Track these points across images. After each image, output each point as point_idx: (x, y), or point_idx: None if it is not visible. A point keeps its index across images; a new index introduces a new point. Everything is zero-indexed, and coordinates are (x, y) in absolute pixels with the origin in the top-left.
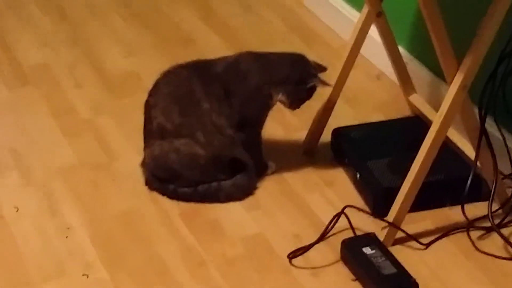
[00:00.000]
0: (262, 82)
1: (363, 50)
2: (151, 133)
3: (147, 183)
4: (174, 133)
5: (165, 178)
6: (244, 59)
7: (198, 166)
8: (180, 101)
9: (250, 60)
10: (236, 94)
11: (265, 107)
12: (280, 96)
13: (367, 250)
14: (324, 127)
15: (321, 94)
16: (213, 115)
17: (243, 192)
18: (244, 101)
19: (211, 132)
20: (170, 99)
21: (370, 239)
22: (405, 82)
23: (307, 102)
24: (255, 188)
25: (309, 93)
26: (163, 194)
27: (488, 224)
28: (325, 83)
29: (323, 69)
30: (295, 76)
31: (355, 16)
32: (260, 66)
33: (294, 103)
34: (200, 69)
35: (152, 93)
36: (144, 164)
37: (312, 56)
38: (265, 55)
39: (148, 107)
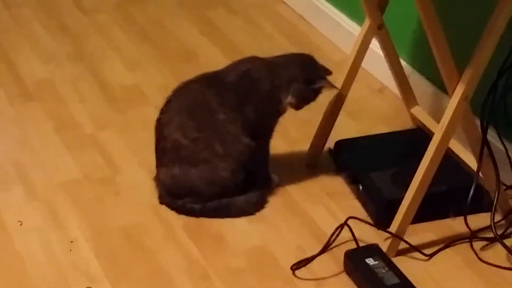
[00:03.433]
0: (273, 88)
1: (365, 64)
2: (165, 151)
3: (160, 197)
4: (191, 148)
5: (180, 195)
6: (255, 66)
7: (220, 185)
8: (196, 115)
9: (261, 67)
10: (250, 103)
11: (277, 114)
12: (290, 99)
13: (370, 261)
14: (327, 139)
15: (323, 107)
16: (228, 125)
17: (255, 207)
18: (258, 109)
19: (229, 142)
20: (185, 114)
21: (373, 250)
22: (407, 94)
23: (309, 116)
24: (265, 203)
25: (316, 94)
26: (171, 209)
27: (491, 235)
28: (332, 86)
29: (329, 72)
30: (303, 75)
31: (356, 29)
32: (270, 72)
33: (300, 102)
34: (211, 80)
35: (164, 110)
36: (158, 180)
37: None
38: (274, 59)
39: (160, 125)
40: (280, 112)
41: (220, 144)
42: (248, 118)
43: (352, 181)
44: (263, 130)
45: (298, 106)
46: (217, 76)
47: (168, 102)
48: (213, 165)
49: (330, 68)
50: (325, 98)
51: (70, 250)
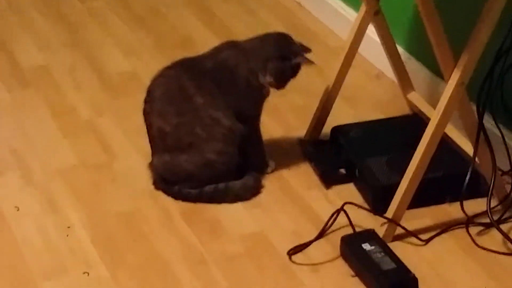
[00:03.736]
0: (250, 73)
1: (362, 49)
2: (154, 139)
3: (154, 183)
4: (174, 134)
5: (174, 181)
6: (230, 54)
7: (210, 168)
8: (174, 101)
9: (235, 53)
10: (229, 92)
11: (259, 99)
12: (268, 78)
13: (366, 246)
14: (323, 125)
15: (320, 93)
16: (208, 109)
17: (251, 192)
18: (238, 98)
19: (210, 125)
20: (164, 101)
21: (369, 235)
22: (404, 80)
23: (306, 102)
24: (261, 187)
25: (294, 70)
26: (168, 195)
27: (487, 220)
28: (310, 61)
29: (307, 50)
30: (278, 53)
31: (353, 16)
32: (246, 57)
33: (279, 80)
34: (187, 66)
35: (146, 100)
36: (152, 166)
37: (309, 56)
38: (248, 42)
39: (146, 115)
40: (263, 94)
41: (201, 128)
42: (231, 104)
43: (322, 173)
44: (249, 115)
45: (278, 84)
46: (193, 61)
47: (149, 91)
48: (199, 148)
49: (308, 46)
50: (321, 83)
51: (67, 235)
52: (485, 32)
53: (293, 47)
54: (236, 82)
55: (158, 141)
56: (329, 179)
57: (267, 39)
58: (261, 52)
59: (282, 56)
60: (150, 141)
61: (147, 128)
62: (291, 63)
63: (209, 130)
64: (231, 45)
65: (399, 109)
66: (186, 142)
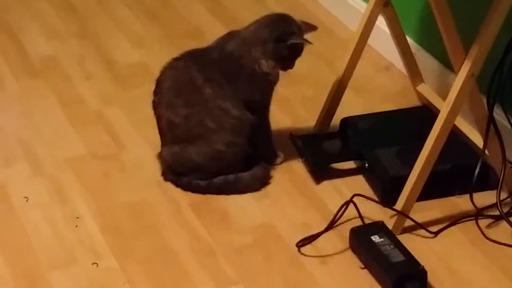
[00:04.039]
0: (254, 62)
1: (371, 41)
2: (163, 131)
3: (163, 174)
4: (183, 125)
5: (182, 172)
6: (234, 45)
7: (219, 159)
8: (182, 92)
9: (239, 44)
10: (236, 82)
11: (268, 87)
12: (270, 62)
13: (375, 238)
14: (332, 117)
15: (329, 84)
16: (217, 100)
17: (260, 182)
18: (246, 88)
19: (219, 116)
20: (172, 92)
21: (378, 227)
22: (413, 72)
23: (315, 94)
24: (270, 178)
25: (292, 51)
26: (177, 186)
27: (497, 213)
28: (305, 41)
29: (311, 28)
30: (274, 34)
31: (362, 6)
32: (247, 46)
33: (281, 62)
34: (195, 57)
35: (156, 92)
36: (161, 157)
37: (319, 47)
38: (248, 29)
39: (155, 106)
40: (271, 82)
41: (211, 119)
42: (240, 95)
43: (312, 167)
44: (258, 105)
45: (281, 66)
46: (202, 52)
47: (158, 82)
48: (208, 139)
49: (313, 24)
50: (330, 75)
51: (76, 226)
52: (496, 23)
53: (290, 27)
54: (242, 73)
55: (167, 132)
56: (319, 174)
57: (263, 22)
58: (257, 39)
59: (277, 37)
60: (159, 133)
61: (156, 119)
62: (286, 44)
63: (218, 121)
64: (232, 36)
65: (408, 101)
66: (195, 133)
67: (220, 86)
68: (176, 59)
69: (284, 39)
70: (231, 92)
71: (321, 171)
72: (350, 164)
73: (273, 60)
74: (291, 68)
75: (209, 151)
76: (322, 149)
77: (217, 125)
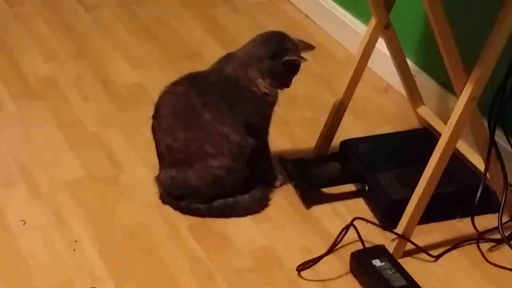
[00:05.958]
0: (252, 83)
1: (371, 63)
2: (162, 155)
3: (161, 197)
4: (182, 150)
5: (181, 196)
6: (231, 68)
7: (218, 184)
8: (182, 117)
9: (236, 66)
10: (235, 105)
11: (267, 108)
12: (268, 81)
13: (376, 262)
14: (332, 139)
15: (329, 106)
16: (216, 125)
17: (260, 205)
18: (245, 111)
19: (218, 141)
20: (172, 117)
21: (379, 251)
22: (413, 94)
23: (315, 116)
24: (269, 200)
25: (288, 68)
26: (175, 209)
27: (498, 236)
28: (301, 58)
29: (309, 47)
30: (268, 52)
31: (360, 28)
32: (244, 67)
33: (277, 80)
34: (194, 81)
35: (154, 116)
36: (159, 180)
37: (319, 69)
38: (244, 48)
39: (154, 131)
40: (270, 103)
41: (210, 144)
42: (239, 118)
43: (302, 192)
44: (258, 128)
45: (278, 84)
46: (200, 76)
47: (156, 107)
48: (207, 165)
49: (311, 44)
50: (329, 97)
51: (74, 249)
52: (498, 46)
53: (285, 44)
54: (241, 96)
55: (166, 156)
56: (309, 198)
57: (259, 40)
58: (254, 55)
59: (272, 54)
60: (158, 156)
61: (155, 143)
62: (281, 61)
63: (218, 146)
64: (230, 58)
65: (408, 123)
66: (194, 158)
67: (219, 110)
68: (174, 84)
69: (280, 56)
70: (230, 116)
71: (310, 196)
72: (347, 188)
73: (270, 78)
74: (287, 86)
75: (208, 176)
76: (311, 173)
77: (216, 150)
